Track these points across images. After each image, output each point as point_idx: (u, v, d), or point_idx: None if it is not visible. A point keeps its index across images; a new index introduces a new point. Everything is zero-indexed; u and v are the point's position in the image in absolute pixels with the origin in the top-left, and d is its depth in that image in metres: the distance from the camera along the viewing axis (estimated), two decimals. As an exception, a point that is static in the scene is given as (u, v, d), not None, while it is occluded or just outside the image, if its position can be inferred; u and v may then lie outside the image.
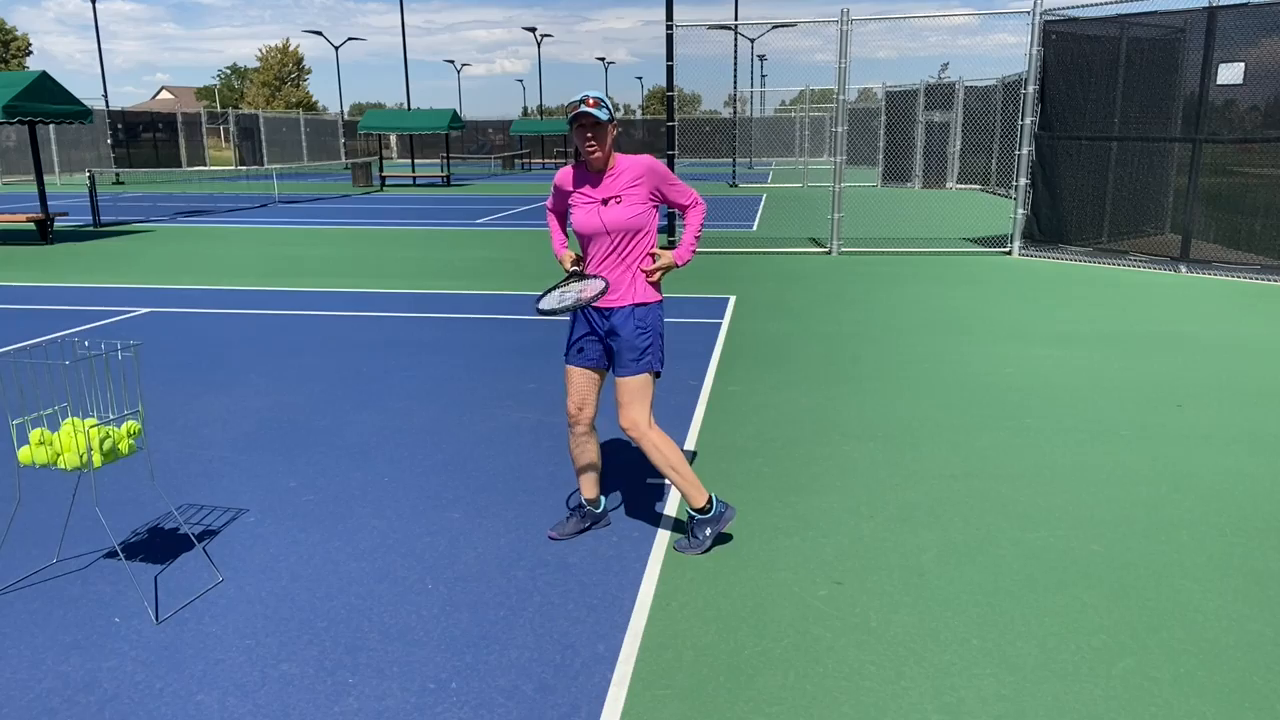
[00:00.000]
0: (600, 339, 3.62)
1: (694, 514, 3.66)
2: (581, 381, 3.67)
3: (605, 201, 3.49)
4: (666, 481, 4.41)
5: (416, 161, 36.54)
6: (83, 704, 2.73)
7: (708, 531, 3.65)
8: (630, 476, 4.49)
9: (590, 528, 3.87)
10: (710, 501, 3.65)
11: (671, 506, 4.13)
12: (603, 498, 3.93)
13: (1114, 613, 3.20)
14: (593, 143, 3.43)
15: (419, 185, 30.26)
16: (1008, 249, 12.27)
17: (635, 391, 3.54)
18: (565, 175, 3.62)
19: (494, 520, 3.99)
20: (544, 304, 3.45)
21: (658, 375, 3.60)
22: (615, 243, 3.50)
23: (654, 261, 3.57)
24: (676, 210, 3.67)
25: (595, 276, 3.52)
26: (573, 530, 3.82)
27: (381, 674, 2.87)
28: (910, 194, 24.26)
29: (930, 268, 11.27)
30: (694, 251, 3.70)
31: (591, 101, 3.42)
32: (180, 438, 5.08)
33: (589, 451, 3.75)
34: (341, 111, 57.28)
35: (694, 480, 3.63)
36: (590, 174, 3.54)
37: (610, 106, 3.46)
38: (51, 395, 3.97)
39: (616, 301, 3.54)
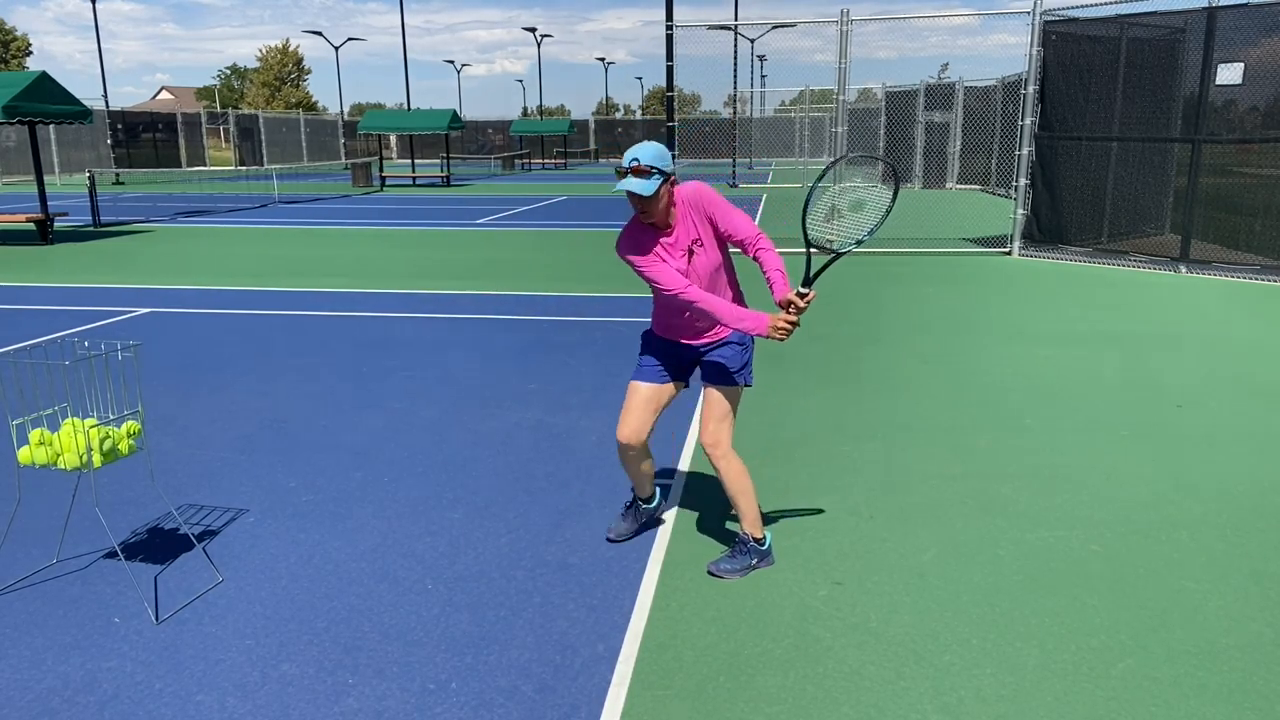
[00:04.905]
0: (682, 360, 3.52)
1: (751, 541, 3.51)
2: (644, 399, 3.51)
3: (690, 253, 3.28)
4: (668, 483, 4.41)
5: (416, 162, 36.52)
6: (83, 704, 2.73)
7: (754, 562, 3.50)
8: (630, 476, 4.49)
9: (646, 523, 3.84)
10: (765, 538, 3.55)
11: (672, 507, 4.13)
12: (657, 489, 3.84)
13: (1114, 613, 3.20)
14: (642, 209, 3.22)
15: (419, 185, 30.26)
16: (1008, 249, 12.27)
17: (726, 409, 3.44)
18: (633, 238, 3.29)
19: (494, 520, 3.99)
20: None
21: (744, 388, 3.49)
22: (708, 287, 3.34)
23: (796, 306, 3.16)
24: (737, 246, 3.30)
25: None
26: (629, 530, 3.77)
27: (381, 674, 2.87)
28: (910, 194, 24.24)
29: (930, 268, 11.27)
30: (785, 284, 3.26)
31: (638, 169, 3.12)
32: (180, 438, 5.08)
33: (644, 461, 3.63)
34: (341, 112, 57.31)
35: (758, 512, 3.53)
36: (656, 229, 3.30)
37: (661, 167, 3.14)
38: (51, 395, 3.97)
39: (714, 336, 3.43)
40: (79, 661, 2.94)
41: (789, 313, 3.15)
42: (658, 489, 3.86)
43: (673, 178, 3.23)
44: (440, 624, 3.16)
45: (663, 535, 3.84)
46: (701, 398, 3.52)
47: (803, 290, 3.16)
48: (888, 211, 3.41)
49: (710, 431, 3.44)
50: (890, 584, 3.42)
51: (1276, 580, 3.43)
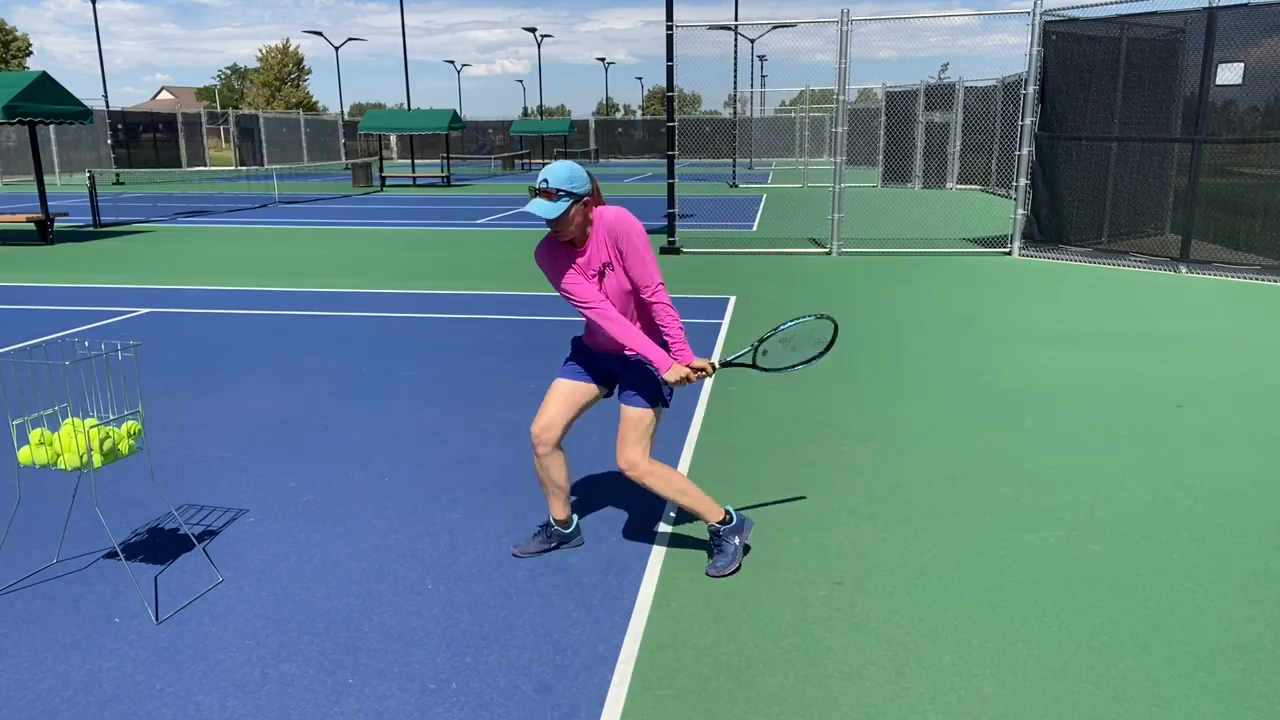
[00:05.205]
0: (605, 369, 3.51)
1: (716, 528, 3.49)
2: (559, 395, 3.50)
3: (601, 274, 3.29)
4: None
5: (416, 162, 36.51)
6: (83, 704, 2.73)
7: (736, 541, 3.47)
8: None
9: (558, 547, 3.71)
10: (729, 514, 3.51)
11: (671, 508, 4.13)
12: (574, 517, 3.74)
13: (1114, 613, 3.20)
14: (554, 229, 3.22)
15: (419, 186, 30.26)
16: (1008, 249, 12.27)
17: (639, 427, 3.38)
18: (550, 250, 3.31)
19: (494, 520, 3.99)
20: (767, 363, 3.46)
21: (661, 409, 3.42)
22: (623, 309, 3.34)
23: (705, 374, 3.32)
24: (633, 286, 3.29)
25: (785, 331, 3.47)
26: (535, 549, 3.66)
27: (381, 674, 2.87)
28: (910, 194, 24.26)
29: (930, 268, 11.27)
30: (684, 348, 3.34)
31: (545, 191, 3.12)
32: (180, 438, 5.08)
33: (556, 467, 3.55)
34: (341, 112, 57.34)
35: (706, 499, 3.49)
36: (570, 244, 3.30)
37: (570, 189, 3.12)
38: (51, 395, 3.97)
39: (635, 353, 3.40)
40: (79, 661, 2.94)
41: (696, 375, 3.30)
42: (575, 517, 3.73)
43: (587, 198, 3.19)
44: (440, 624, 3.16)
45: (663, 535, 3.84)
46: (620, 417, 3.44)
47: (717, 365, 3.37)
48: (810, 360, 3.61)
49: (625, 456, 3.39)
50: (890, 584, 3.41)
51: (1276, 580, 3.43)
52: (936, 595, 3.33)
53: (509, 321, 8.22)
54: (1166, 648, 2.99)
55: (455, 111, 29.85)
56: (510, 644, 3.03)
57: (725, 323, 8.00)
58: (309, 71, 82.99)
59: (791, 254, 12.64)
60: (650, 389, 3.39)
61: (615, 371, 3.51)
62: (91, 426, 3.18)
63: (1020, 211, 12.04)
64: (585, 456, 4.75)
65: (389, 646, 3.03)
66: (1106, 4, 10.83)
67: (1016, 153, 11.92)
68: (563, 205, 3.13)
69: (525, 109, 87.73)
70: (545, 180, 3.14)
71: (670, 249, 12.60)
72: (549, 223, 3.19)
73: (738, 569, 3.49)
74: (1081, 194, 11.59)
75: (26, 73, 14.66)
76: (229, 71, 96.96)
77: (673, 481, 3.45)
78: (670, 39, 11.95)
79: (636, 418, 3.39)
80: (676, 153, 12.63)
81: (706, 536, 3.72)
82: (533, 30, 64.15)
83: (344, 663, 2.93)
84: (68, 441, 3.17)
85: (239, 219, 18.50)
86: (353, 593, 3.38)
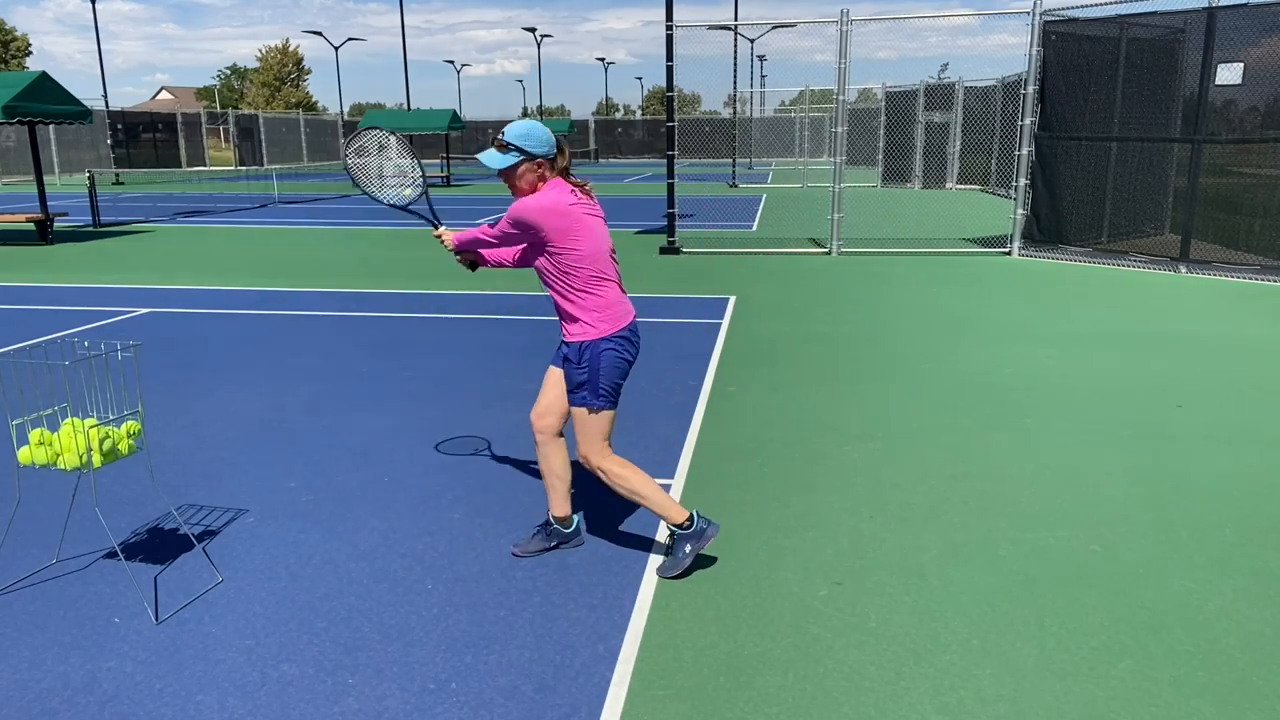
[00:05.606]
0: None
1: (674, 530, 3.46)
2: (551, 382, 3.52)
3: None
4: (667, 483, 4.41)
5: (416, 162, 36.47)
6: (83, 704, 2.73)
7: (687, 549, 3.41)
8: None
9: (558, 547, 3.70)
10: (691, 518, 3.44)
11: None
12: (575, 517, 3.72)
13: (1114, 613, 3.20)
14: (504, 181, 3.33)
15: (419, 185, 30.23)
16: (1007, 249, 12.27)
17: (577, 423, 3.41)
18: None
19: (494, 520, 3.99)
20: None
21: (596, 411, 3.36)
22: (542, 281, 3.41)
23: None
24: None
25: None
26: (536, 548, 3.64)
27: (381, 674, 2.88)
28: (910, 194, 24.26)
29: (930, 268, 11.27)
30: (462, 242, 3.54)
31: (499, 143, 3.25)
32: (180, 438, 5.08)
33: (556, 457, 3.56)
34: (341, 112, 57.34)
35: (666, 500, 3.44)
36: None
37: (522, 146, 3.22)
38: (51, 395, 3.97)
39: (566, 335, 3.40)
40: (79, 661, 2.94)
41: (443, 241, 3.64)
42: (578, 518, 3.72)
43: (542, 160, 3.25)
44: (440, 624, 3.16)
45: (663, 535, 3.84)
46: None
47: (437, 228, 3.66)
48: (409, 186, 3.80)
49: (577, 450, 3.46)
50: (890, 584, 3.42)
51: (1276, 580, 3.43)
52: (936, 595, 3.33)
53: (510, 321, 8.22)
54: (1166, 648, 2.99)
55: (455, 111, 29.83)
56: (510, 644, 3.03)
57: (725, 323, 7.99)
58: (309, 71, 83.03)
59: (791, 254, 12.64)
60: (575, 383, 3.36)
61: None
62: (91, 426, 3.18)
63: (1020, 211, 12.04)
64: (585, 456, 4.75)
65: (389, 646, 3.03)
66: (1106, 4, 10.83)
67: (1016, 153, 11.92)
68: (510, 159, 3.22)
69: (525, 109, 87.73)
70: (502, 133, 3.24)
71: (670, 249, 12.59)
72: (499, 174, 3.26)
73: (684, 574, 3.44)
74: (1081, 194, 11.59)
75: (26, 73, 14.66)
76: (229, 71, 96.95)
77: (627, 482, 3.42)
78: (670, 39, 11.95)
79: (575, 415, 3.42)
80: (676, 153, 12.63)
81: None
82: (532, 30, 64.16)
83: (344, 663, 2.93)
84: (67, 441, 3.17)
85: (239, 219, 18.50)
86: (353, 593, 3.38)
